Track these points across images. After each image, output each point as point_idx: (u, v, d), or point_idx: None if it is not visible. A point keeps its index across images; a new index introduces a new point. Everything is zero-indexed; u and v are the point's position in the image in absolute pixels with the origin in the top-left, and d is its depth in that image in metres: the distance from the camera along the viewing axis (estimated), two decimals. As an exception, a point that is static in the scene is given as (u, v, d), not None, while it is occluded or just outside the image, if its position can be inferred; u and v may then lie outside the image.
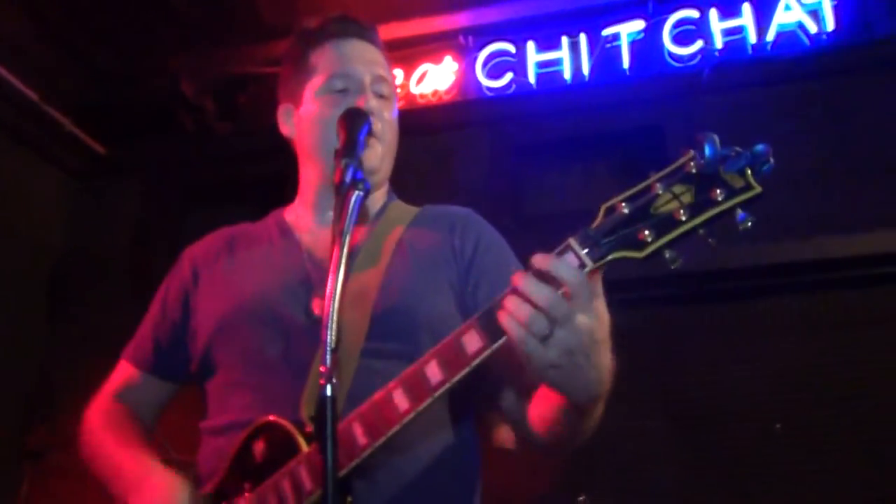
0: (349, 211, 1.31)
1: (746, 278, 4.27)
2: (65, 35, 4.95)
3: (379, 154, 1.75)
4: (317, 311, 1.57)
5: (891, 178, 4.20)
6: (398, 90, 5.26)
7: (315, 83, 1.77)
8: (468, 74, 5.18)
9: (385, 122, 1.76)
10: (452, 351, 1.24)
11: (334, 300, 1.18)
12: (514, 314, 1.13)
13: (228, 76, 5.17)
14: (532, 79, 5.03)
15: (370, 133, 1.64)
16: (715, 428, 4.13)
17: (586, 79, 4.93)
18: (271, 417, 1.45)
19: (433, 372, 1.25)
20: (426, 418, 1.53)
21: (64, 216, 5.27)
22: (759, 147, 1.11)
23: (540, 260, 1.14)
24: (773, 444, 4.00)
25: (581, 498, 3.14)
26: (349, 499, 1.35)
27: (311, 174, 1.81)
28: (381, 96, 1.77)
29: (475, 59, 5.17)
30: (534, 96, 5.02)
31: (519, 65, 5.09)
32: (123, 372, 1.86)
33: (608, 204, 1.18)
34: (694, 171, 1.13)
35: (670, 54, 4.81)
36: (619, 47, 4.90)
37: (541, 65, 5.05)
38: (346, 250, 1.25)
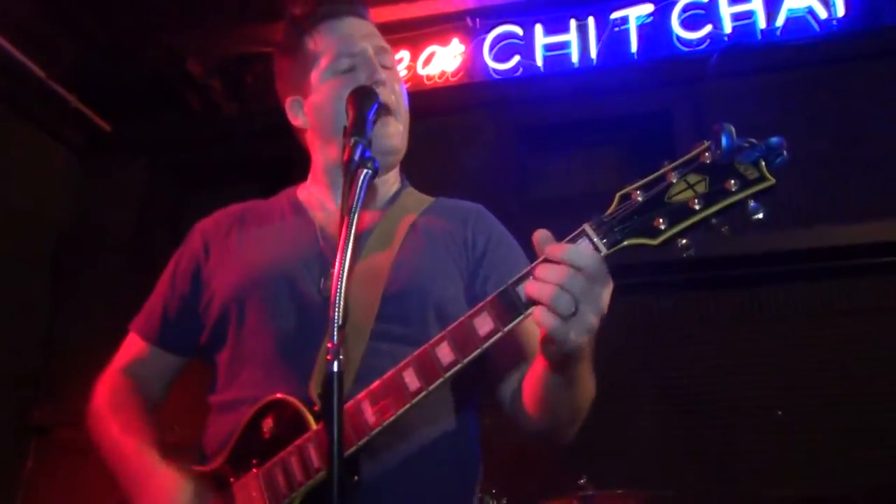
0: (357, 188, 1.31)
1: (752, 266, 4.28)
2: (69, 10, 4.93)
3: (400, 132, 1.74)
4: (328, 287, 1.57)
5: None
6: (405, 71, 5.25)
7: (320, 68, 1.74)
8: (475, 56, 5.17)
9: (397, 94, 1.74)
10: (464, 332, 1.25)
11: (341, 278, 1.18)
12: (538, 297, 1.16)
13: (236, 55, 5.16)
14: (539, 62, 5.02)
15: (385, 110, 1.64)
16: (716, 413, 4.16)
17: (594, 62, 4.92)
18: (280, 395, 1.46)
19: (444, 353, 1.26)
20: (432, 403, 1.55)
21: (68, 193, 5.28)
22: (774, 139, 1.11)
23: (554, 249, 1.16)
24: (774, 430, 4.04)
25: (582, 480, 3.16)
26: (356, 478, 1.36)
27: (328, 155, 1.78)
28: (386, 67, 1.75)
29: (482, 41, 5.15)
30: (541, 79, 5.01)
31: (526, 47, 5.08)
32: (132, 344, 1.86)
33: (623, 191, 1.18)
34: (709, 161, 1.13)
35: (678, 38, 4.80)
36: (627, 31, 4.89)
37: (548, 48, 5.04)
38: (353, 228, 1.25)
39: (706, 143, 1.14)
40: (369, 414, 1.31)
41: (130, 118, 5.33)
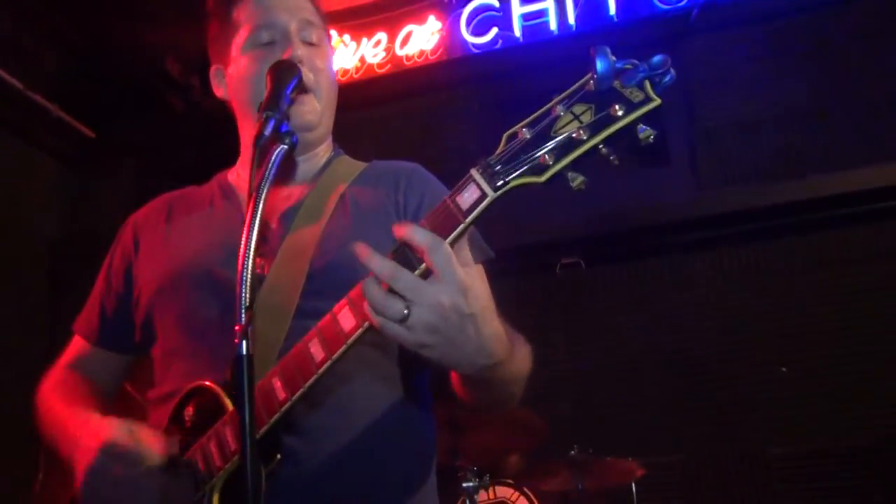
0: (269, 165, 1.25)
1: (743, 222, 4.19)
2: (45, 19, 4.92)
3: (317, 109, 1.66)
4: (257, 270, 1.53)
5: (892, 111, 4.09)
6: (384, 53, 5.19)
7: (240, 39, 1.67)
8: (453, 33, 5.10)
9: (318, 72, 1.65)
10: (362, 296, 1.19)
11: (248, 257, 1.13)
12: (368, 300, 1.09)
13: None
14: (518, 32, 4.94)
15: (302, 87, 1.57)
16: (717, 374, 4.09)
17: (573, 28, 4.83)
18: (199, 382, 1.41)
19: (346, 318, 1.19)
20: (369, 375, 1.49)
21: (59, 201, 5.29)
22: (657, 58, 1.04)
23: (399, 229, 1.10)
24: (773, 385, 3.96)
25: (573, 451, 3.11)
26: (277, 456, 1.31)
27: (248, 132, 1.74)
28: (310, 43, 1.68)
29: (459, 16, 5.08)
30: (521, 50, 4.93)
31: (504, 19, 5.00)
32: (75, 345, 1.82)
33: (510, 131, 1.11)
34: (593, 88, 1.06)
35: (657, -4, 4.68)
36: (604, -7, 4.78)
37: (526, 17, 4.95)
38: (260, 206, 1.19)
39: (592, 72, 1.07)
40: (279, 389, 1.26)
41: (114, 123, 5.32)
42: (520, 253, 4.18)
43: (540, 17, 4.90)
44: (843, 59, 4.20)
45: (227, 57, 1.73)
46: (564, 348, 4.42)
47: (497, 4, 5.01)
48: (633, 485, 3.44)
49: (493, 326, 1.19)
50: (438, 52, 5.09)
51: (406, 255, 1.12)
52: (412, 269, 1.12)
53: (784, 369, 4.01)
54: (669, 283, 4.38)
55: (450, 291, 1.08)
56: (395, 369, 1.56)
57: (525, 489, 3.45)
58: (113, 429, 1.40)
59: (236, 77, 1.70)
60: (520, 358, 1.36)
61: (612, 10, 4.73)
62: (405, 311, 1.08)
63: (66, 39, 5.15)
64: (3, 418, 4.51)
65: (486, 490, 3.39)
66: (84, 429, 1.46)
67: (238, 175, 1.80)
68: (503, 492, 3.44)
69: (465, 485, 3.20)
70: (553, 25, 4.85)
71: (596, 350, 4.34)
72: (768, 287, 4.13)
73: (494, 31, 4.97)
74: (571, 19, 4.81)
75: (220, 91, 1.80)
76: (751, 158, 4.29)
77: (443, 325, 1.10)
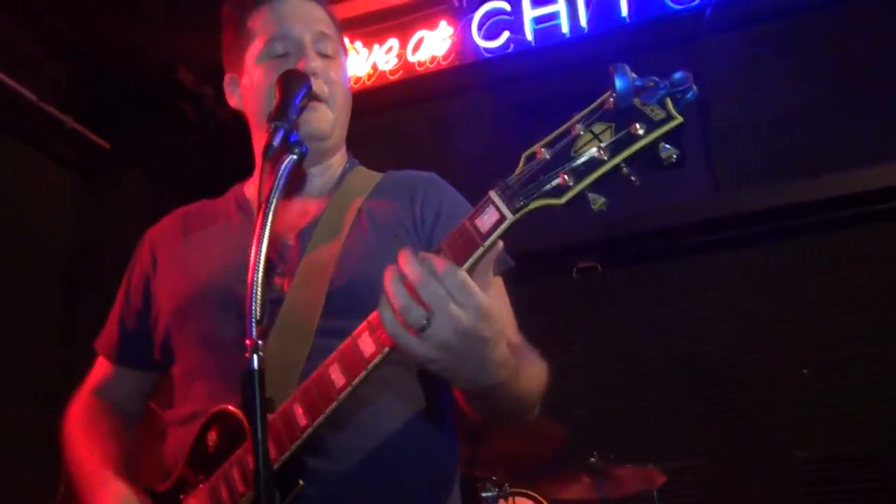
0: (278, 175, 1.24)
1: (757, 223, 4.15)
2: (56, 30, 4.94)
3: (329, 118, 1.62)
4: (277, 289, 1.51)
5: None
6: (396, 60, 5.17)
7: (254, 49, 1.65)
8: (465, 37, 5.07)
9: (333, 83, 1.63)
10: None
11: (257, 270, 1.12)
12: (391, 301, 1.07)
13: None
14: (529, 35, 4.91)
15: (312, 96, 1.56)
16: (736, 377, 4.04)
17: (585, 30, 4.80)
18: (222, 406, 1.39)
19: (366, 343, 1.17)
20: (392, 393, 1.47)
21: (74, 212, 5.32)
22: (678, 74, 1.01)
23: (403, 262, 1.07)
24: (790, 388, 3.91)
25: (593, 458, 3.08)
26: (300, 482, 1.29)
27: (260, 143, 1.72)
28: (325, 56, 1.66)
29: (470, 20, 5.06)
30: (533, 53, 4.91)
31: (515, 22, 4.97)
32: (99, 366, 1.82)
33: (529, 151, 1.09)
34: (613, 106, 1.04)
35: (670, -4, 4.64)
36: (616, -5, 4.75)
37: (537, 20, 4.92)
38: (270, 217, 1.17)
39: (611, 90, 1.04)
40: (300, 415, 1.24)
41: (128, 133, 5.34)
42: (536, 257, 4.15)
43: (551, 19, 4.87)
44: (859, 57, 4.14)
45: (242, 67, 1.71)
46: (581, 353, 4.39)
47: (508, 8, 4.99)
48: (656, 493, 3.39)
49: (500, 350, 1.17)
50: (450, 58, 5.08)
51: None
52: None
53: (805, 371, 3.97)
54: (687, 286, 4.34)
55: (471, 314, 1.06)
56: (418, 386, 1.53)
57: (545, 498, 3.42)
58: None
59: (250, 88, 1.69)
60: (530, 376, 1.34)
61: (625, 11, 4.69)
62: (424, 322, 1.05)
63: (78, 51, 5.17)
64: (21, 425, 4.55)
65: (506, 499, 3.36)
66: (101, 493, 1.51)
67: (254, 187, 1.79)
68: (523, 502, 3.41)
69: (484, 494, 3.18)
70: (565, 28, 4.82)
71: (614, 354, 4.31)
72: (786, 288, 4.08)
73: (506, 34, 4.94)
74: (583, 22, 4.78)
75: (233, 100, 1.78)
76: (766, 158, 4.24)
77: (457, 344, 1.07)
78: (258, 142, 1.74)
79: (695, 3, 4.57)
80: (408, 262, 1.07)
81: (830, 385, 3.87)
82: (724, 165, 4.36)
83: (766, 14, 4.42)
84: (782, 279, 4.13)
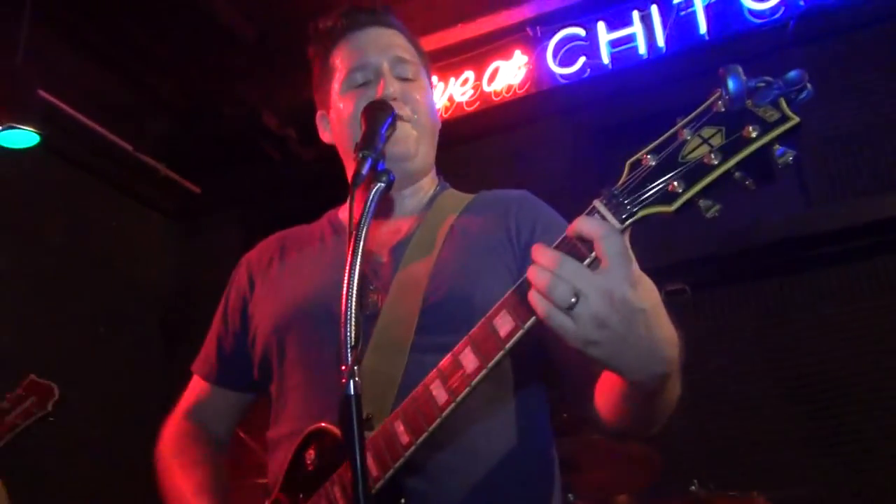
0: (367, 203, 1.26)
1: (855, 237, 3.96)
2: (148, 83, 5.20)
3: (413, 136, 1.64)
4: (371, 305, 1.52)
5: None
6: (472, 91, 5.22)
7: (337, 83, 1.71)
8: (540, 65, 5.08)
9: (415, 104, 1.66)
10: (485, 335, 1.14)
11: (351, 296, 1.13)
12: (535, 285, 1.03)
13: (305, 101, 5.28)
14: (606, 59, 4.88)
15: (400, 120, 1.58)
16: (833, 398, 3.83)
17: (663, 51, 4.74)
18: (322, 424, 1.40)
19: (468, 360, 1.15)
20: (491, 412, 1.45)
21: (169, 255, 5.53)
22: (793, 73, 0.97)
23: (537, 252, 1.05)
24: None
25: (693, 487, 2.94)
26: (402, 500, 1.28)
27: (351, 171, 1.76)
28: (404, 79, 1.68)
29: (545, 48, 5.07)
30: (610, 76, 4.87)
31: (591, 47, 4.95)
32: (194, 386, 1.86)
33: (633, 158, 1.06)
34: (723, 109, 1.00)
35: (750, 11, 4.54)
36: (693, 13, 4.68)
37: (613, 44, 4.89)
38: (361, 243, 1.20)
39: (718, 91, 1.01)
40: (401, 433, 1.23)
41: (217, 177, 5.54)
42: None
43: (628, 42, 4.83)
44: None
45: (329, 101, 1.76)
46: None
47: (583, 34, 4.98)
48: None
49: (666, 328, 1.12)
50: (526, 86, 5.09)
51: (571, 250, 1.06)
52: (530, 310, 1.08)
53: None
54: (781, 306, 4.16)
55: (619, 281, 1.01)
56: (516, 406, 1.51)
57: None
58: None
59: (336, 120, 1.73)
60: (675, 378, 1.26)
61: (703, 28, 4.61)
62: (573, 299, 1.00)
63: (169, 102, 5.43)
64: (124, 467, 4.70)
65: (603, 531, 3.27)
66: None
67: (347, 212, 1.81)
68: (619, 532, 3.31)
69: (580, 525, 3.09)
70: (642, 49, 4.77)
71: (706, 378, 4.15)
72: (892, 305, 3.87)
73: (582, 59, 4.93)
74: (661, 42, 4.72)
75: (325, 136, 1.83)
76: (860, 172, 4.06)
77: (612, 318, 1.01)
78: (349, 172, 1.77)
79: (777, 16, 4.46)
80: (542, 250, 1.05)
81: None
82: (816, 180, 4.19)
83: (853, 24, 4.26)
84: (888, 296, 3.92)
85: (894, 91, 4.13)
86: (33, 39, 4.27)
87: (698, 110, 1.04)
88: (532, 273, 1.04)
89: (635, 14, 4.84)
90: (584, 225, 1.04)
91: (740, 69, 0.98)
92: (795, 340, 4.07)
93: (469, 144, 5.05)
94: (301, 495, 1.40)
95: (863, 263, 4.03)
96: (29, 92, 4.22)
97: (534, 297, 1.04)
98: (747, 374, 4.06)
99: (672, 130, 1.05)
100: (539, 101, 5.06)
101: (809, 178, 4.26)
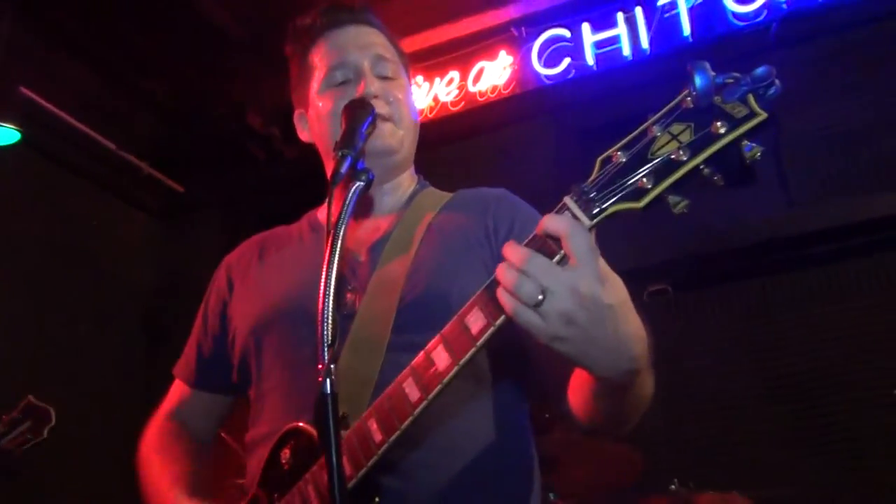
0: (346, 202, 1.26)
1: (836, 239, 4.00)
2: (131, 82, 5.17)
3: (397, 134, 1.65)
4: (348, 304, 1.52)
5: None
6: (457, 91, 5.22)
7: (316, 82, 1.69)
8: (525, 66, 5.09)
9: (396, 102, 1.65)
10: (457, 332, 1.14)
11: (328, 295, 1.13)
12: (502, 282, 1.04)
13: (290, 100, 5.27)
14: (591, 60, 4.89)
15: (380, 119, 1.58)
16: (818, 398, 3.86)
17: (647, 52, 4.76)
18: (298, 423, 1.40)
19: (441, 357, 1.15)
20: (466, 409, 1.45)
21: (151, 253, 5.50)
22: (760, 69, 0.98)
23: (508, 250, 1.05)
24: (890, 411, 3.71)
25: (673, 486, 2.96)
26: (376, 499, 1.28)
27: (329, 170, 1.76)
28: (385, 77, 1.67)
29: (530, 49, 5.08)
30: (595, 77, 4.89)
31: (576, 48, 4.96)
32: (176, 389, 1.86)
33: (604, 155, 1.07)
34: (691, 106, 1.01)
35: (733, 14, 4.57)
36: (677, 15, 4.70)
37: (598, 45, 4.91)
38: (339, 243, 1.20)
39: (688, 88, 1.02)
40: (374, 431, 1.23)
41: (201, 176, 5.52)
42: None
43: (612, 43, 4.85)
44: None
45: (307, 100, 1.75)
46: (657, 377, 4.26)
47: (568, 35, 4.99)
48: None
49: (634, 325, 1.13)
50: (511, 86, 5.10)
51: (541, 247, 1.06)
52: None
53: (896, 391, 3.77)
54: (763, 306, 4.19)
55: (587, 278, 1.01)
56: (493, 403, 1.51)
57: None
58: None
59: (316, 119, 1.72)
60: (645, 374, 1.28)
61: (687, 30, 4.64)
62: (539, 296, 1.00)
63: (153, 101, 5.40)
64: (106, 465, 4.67)
65: (582, 529, 3.27)
66: None
67: (325, 211, 1.81)
68: (600, 532, 3.32)
69: (560, 525, 3.10)
70: (626, 51, 4.79)
71: (688, 377, 4.17)
72: (877, 304, 3.89)
73: (567, 61, 4.94)
74: (645, 43, 4.74)
75: (304, 135, 1.82)
76: (841, 172, 4.09)
77: (579, 314, 1.02)
78: (329, 170, 1.77)
79: (760, 18, 4.49)
80: (511, 248, 1.05)
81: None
82: (797, 180, 4.22)
83: (834, 27, 4.29)
84: (869, 295, 3.95)
85: (876, 92, 4.16)
86: (16, 36, 4.24)
87: (668, 107, 1.04)
88: (500, 270, 1.04)
89: (620, 16, 4.86)
90: (551, 222, 1.04)
91: (708, 65, 0.99)
92: (779, 340, 4.09)
93: (454, 144, 5.05)
94: (276, 494, 1.39)
95: (847, 263, 4.05)
96: (10, 89, 4.19)
97: (502, 295, 1.04)
98: (730, 373, 4.08)
99: (642, 127, 1.05)
100: (524, 101, 5.07)
101: (792, 178, 4.28)
